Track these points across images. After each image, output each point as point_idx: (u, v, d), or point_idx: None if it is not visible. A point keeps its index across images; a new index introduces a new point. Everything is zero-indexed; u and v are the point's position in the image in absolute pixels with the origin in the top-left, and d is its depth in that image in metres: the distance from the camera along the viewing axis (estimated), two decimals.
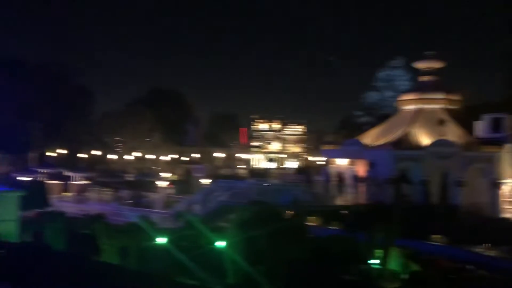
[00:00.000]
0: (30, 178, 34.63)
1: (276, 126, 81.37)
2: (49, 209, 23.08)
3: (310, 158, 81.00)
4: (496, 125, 27.82)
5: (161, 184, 29.59)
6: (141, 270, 17.37)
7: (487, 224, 24.42)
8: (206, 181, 32.22)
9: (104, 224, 18.12)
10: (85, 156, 69.50)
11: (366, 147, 30.24)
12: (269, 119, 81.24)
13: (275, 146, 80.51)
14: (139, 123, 73.97)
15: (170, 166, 67.94)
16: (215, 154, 75.55)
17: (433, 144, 27.67)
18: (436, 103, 32.11)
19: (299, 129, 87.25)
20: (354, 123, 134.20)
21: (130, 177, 47.11)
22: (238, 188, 27.21)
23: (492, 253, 20.90)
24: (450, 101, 32.26)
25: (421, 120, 31.30)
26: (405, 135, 29.81)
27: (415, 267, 17.74)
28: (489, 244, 21.13)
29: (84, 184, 38.80)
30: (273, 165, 76.75)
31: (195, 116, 67.80)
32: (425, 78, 33.81)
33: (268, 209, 15.26)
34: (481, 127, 28.99)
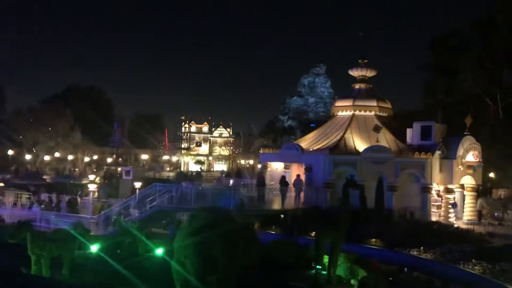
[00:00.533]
0: None
1: (204, 128, 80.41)
2: None
3: (240, 161, 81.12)
4: (425, 133, 29.26)
5: (91, 187, 27.51)
6: (76, 283, 15.79)
7: (419, 228, 25.51)
8: (137, 184, 30.54)
9: (33, 233, 16.22)
10: None
11: (303, 151, 30.43)
12: (197, 121, 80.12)
13: (203, 148, 79.47)
14: (57, 121, 69.56)
15: (91, 167, 64.43)
16: (141, 156, 72.97)
17: (368, 150, 28.46)
18: (369, 110, 33.20)
19: (225, 132, 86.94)
20: (280, 127, 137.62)
21: (49, 179, 43.73)
22: (175, 192, 26.01)
23: (426, 255, 21.72)
24: (382, 108, 33.52)
25: (355, 126, 32.17)
26: (341, 140, 30.42)
27: (361, 272, 17.90)
28: (422, 247, 21.94)
29: None
30: (201, 167, 75.69)
31: (118, 116, 64.90)
32: (358, 86, 34.88)
33: (221, 214, 14.44)
34: (411, 134, 30.35)
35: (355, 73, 34.97)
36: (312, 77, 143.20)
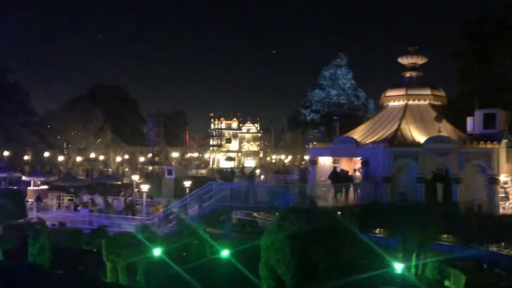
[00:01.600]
0: None
1: (233, 124, 79.47)
2: (28, 220, 19.82)
3: (271, 157, 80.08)
4: (489, 121, 27.70)
5: (143, 187, 26.71)
6: None
7: (489, 222, 24.12)
8: (187, 183, 29.68)
9: (108, 239, 15.40)
10: (29, 158, 64.04)
11: (358, 144, 29.14)
12: (226, 118, 79.24)
13: (232, 144, 78.60)
14: (88, 121, 69.39)
15: (128, 167, 64.11)
16: (171, 154, 72.43)
17: (430, 140, 27.03)
18: (423, 99, 31.70)
19: (253, 127, 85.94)
20: (302, 120, 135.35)
21: (89, 180, 43.27)
22: (231, 190, 25.06)
23: (508, 251, 20.39)
24: (436, 97, 31.98)
25: (410, 116, 30.74)
26: (397, 132, 29.04)
27: (454, 272, 16.64)
28: (503, 243, 20.62)
29: (43, 189, 34.83)
30: (232, 164, 74.85)
31: (154, 113, 64.21)
32: (409, 74, 33.36)
33: (318, 215, 13.34)
34: (472, 123, 28.83)
35: (404, 60, 33.45)
36: (334, 69, 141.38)
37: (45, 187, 35.80)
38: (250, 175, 26.05)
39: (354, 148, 28.94)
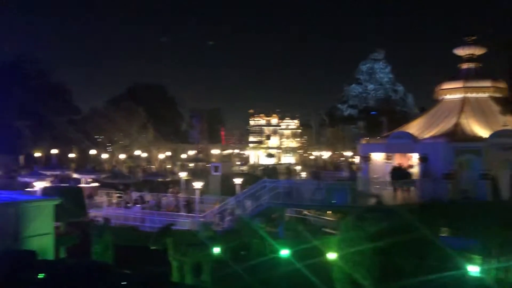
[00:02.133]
0: (41, 181, 31.03)
1: (273, 120, 78.85)
2: (90, 218, 20.00)
3: (311, 153, 79.12)
4: None
5: (196, 184, 26.54)
6: None
7: None
8: (238, 180, 29.31)
9: (174, 238, 15.12)
10: (75, 155, 65.50)
11: (416, 139, 27.99)
12: (266, 114, 78.70)
13: (273, 141, 78.01)
14: (131, 119, 70.41)
15: (170, 164, 64.67)
16: (211, 151, 72.58)
17: (495, 135, 25.63)
18: (483, 91, 30.20)
19: (292, 123, 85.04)
20: (339, 116, 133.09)
21: (137, 178, 43.69)
22: (284, 188, 24.54)
23: None
24: (497, 89, 30.40)
25: (469, 109, 29.33)
26: (457, 126, 27.74)
27: None
28: None
29: (94, 187, 35.28)
30: (272, 161, 74.33)
31: (197, 111, 64.52)
32: (466, 66, 31.85)
33: (402, 216, 12.59)
34: None
35: (461, 52, 31.94)
36: (371, 63, 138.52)
37: (96, 184, 36.29)
38: (317, 174, 25.44)
39: (411, 144, 27.82)
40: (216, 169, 39.03)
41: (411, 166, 29.15)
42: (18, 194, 20.58)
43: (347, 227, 13.06)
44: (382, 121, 37.45)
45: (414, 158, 29.31)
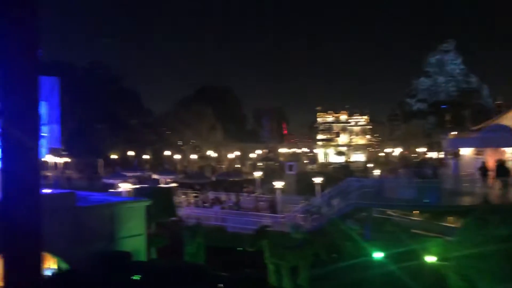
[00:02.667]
0: (125, 183, 31.89)
1: (342, 117, 77.07)
2: (181, 219, 20.08)
3: (383, 150, 76.38)
4: None
5: (277, 184, 26.00)
6: None
7: None
8: (317, 180, 28.41)
9: (271, 240, 14.56)
10: (149, 157, 67.57)
11: None
12: (335, 110, 77.09)
13: (342, 138, 76.24)
14: (200, 121, 71.62)
15: (239, 163, 64.95)
16: (280, 150, 72.11)
17: None
18: None
19: (362, 119, 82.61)
20: (407, 111, 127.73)
21: (211, 178, 44.05)
22: (371, 187, 23.28)
23: None
24: None
25: None
26: None
27: None
28: None
29: (172, 187, 35.77)
30: (342, 159, 72.59)
31: (267, 110, 64.46)
32: None
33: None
34: None
35: None
36: (440, 55, 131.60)
37: (174, 185, 36.79)
38: (420, 172, 24.04)
39: (509, 137, 25.54)
40: (290, 168, 38.36)
41: (503, 162, 26.84)
42: (110, 196, 21.09)
43: (467, 230, 11.86)
44: (463, 115, 34.93)
45: (509, 152, 26.97)
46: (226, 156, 69.47)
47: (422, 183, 23.33)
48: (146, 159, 65.41)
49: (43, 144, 18.38)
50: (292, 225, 17.34)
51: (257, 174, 37.02)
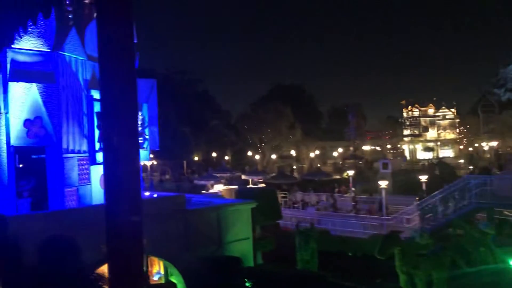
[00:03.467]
0: (210, 182, 31.54)
1: (429, 110, 72.43)
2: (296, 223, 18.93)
3: (479, 144, 70.95)
4: None
5: (382, 183, 24.06)
6: None
7: None
8: (423, 178, 26.03)
9: (403, 247, 12.84)
10: (229, 157, 67.74)
11: None
12: (421, 104, 72.63)
13: (430, 133, 71.66)
14: (279, 120, 70.58)
15: (319, 162, 63.16)
16: (364, 148, 69.22)
17: None
18: None
19: (449, 112, 77.25)
20: (496, 101, 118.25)
21: (300, 177, 42.75)
22: (491, 185, 20.67)
23: None
24: None
25: None
26: None
27: None
28: None
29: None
30: (431, 155, 68.24)
31: (352, 106, 62.13)
32: None
33: None
34: None
35: None
36: None
37: (263, 185, 35.96)
38: None
39: None
40: (385, 166, 36.03)
41: None
42: (212, 198, 20.39)
43: None
44: None
45: None
46: (307, 155, 67.83)
47: None
48: (226, 160, 65.65)
49: (146, 147, 17.86)
50: (416, 230, 15.41)
51: (350, 172, 35.07)
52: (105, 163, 5.64)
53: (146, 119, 18.08)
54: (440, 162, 42.97)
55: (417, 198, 24.00)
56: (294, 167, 66.55)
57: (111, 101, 5.64)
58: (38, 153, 14.72)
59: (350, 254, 19.82)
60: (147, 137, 17.88)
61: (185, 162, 60.90)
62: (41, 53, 14.43)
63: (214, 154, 56.90)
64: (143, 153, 17.67)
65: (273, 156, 69.30)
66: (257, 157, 68.09)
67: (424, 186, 25.74)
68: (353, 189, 33.21)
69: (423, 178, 25.98)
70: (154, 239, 14.75)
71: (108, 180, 5.59)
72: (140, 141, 17.87)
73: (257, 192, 18.15)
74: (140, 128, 17.74)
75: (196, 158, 67.67)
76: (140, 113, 17.65)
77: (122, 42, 5.59)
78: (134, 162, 5.79)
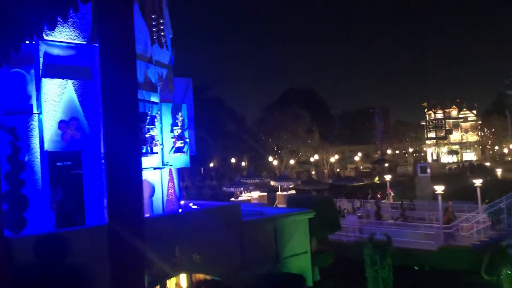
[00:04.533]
0: (236, 189, 29.61)
1: (453, 112, 70.09)
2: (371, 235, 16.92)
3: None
4: None
5: (438, 188, 21.96)
6: None
7: None
8: (478, 182, 23.88)
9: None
10: (246, 163, 65.80)
11: None
12: (444, 106, 70.31)
13: (454, 136, 69.30)
14: (297, 125, 68.62)
15: (339, 167, 61.02)
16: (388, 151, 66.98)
17: None
18: None
19: (471, 114, 74.92)
20: (510, 103, 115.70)
21: (327, 183, 40.68)
22: None
23: None
24: None
25: None
26: None
27: None
28: None
29: (292, 194, 32.87)
30: (454, 158, 65.91)
31: (378, 109, 60.05)
32: None
33: None
34: None
35: None
36: None
37: (293, 192, 34.01)
38: None
39: None
40: (423, 169, 33.90)
41: None
42: (261, 207, 18.41)
43: None
44: None
45: None
46: (326, 160, 65.72)
47: None
48: (243, 166, 63.71)
49: (186, 151, 15.99)
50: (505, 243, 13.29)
51: (387, 177, 32.88)
52: (108, 180, 5.38)
53: (186, 120, 16.24)
54: (480, 166, 40.66)
55: (487, 201, 21.87)
56: (313, 172, 64.50)
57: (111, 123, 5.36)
58: (73, 159, 12.90)
59: (416, 268, 17.80)
60: (187, 140, 16.02)
61: (202, 168, 59.04)
62: (76, 46, 12.61)
63: (233, 160, 54.96)
64: (183, 158, 15.84)
65: (291, 161, 67.29)
66: (275, 162, 66.07)
67: (478, 192, 23.58)
68: (392, 194, 31.09)
69: (478, 182, 23.83)
70: (207, 255, 12.93)
71: (111, 197, 5.33)
72: (180, 145, 16.04)
73: (313, 200, 16.12)
74: (179, 131, 15.92)
75: (211, 165, 65.82)
76: (179, 114, 15.86)
77: (121, 30, 5.34)
78: (135, 176, 5.42)
